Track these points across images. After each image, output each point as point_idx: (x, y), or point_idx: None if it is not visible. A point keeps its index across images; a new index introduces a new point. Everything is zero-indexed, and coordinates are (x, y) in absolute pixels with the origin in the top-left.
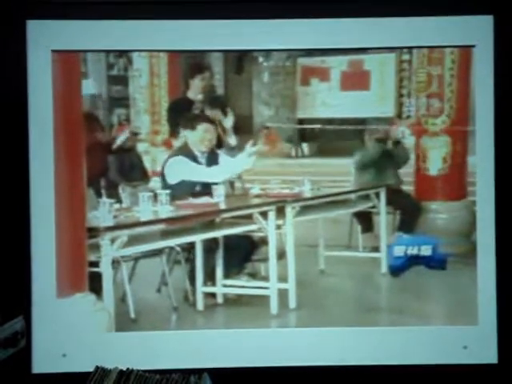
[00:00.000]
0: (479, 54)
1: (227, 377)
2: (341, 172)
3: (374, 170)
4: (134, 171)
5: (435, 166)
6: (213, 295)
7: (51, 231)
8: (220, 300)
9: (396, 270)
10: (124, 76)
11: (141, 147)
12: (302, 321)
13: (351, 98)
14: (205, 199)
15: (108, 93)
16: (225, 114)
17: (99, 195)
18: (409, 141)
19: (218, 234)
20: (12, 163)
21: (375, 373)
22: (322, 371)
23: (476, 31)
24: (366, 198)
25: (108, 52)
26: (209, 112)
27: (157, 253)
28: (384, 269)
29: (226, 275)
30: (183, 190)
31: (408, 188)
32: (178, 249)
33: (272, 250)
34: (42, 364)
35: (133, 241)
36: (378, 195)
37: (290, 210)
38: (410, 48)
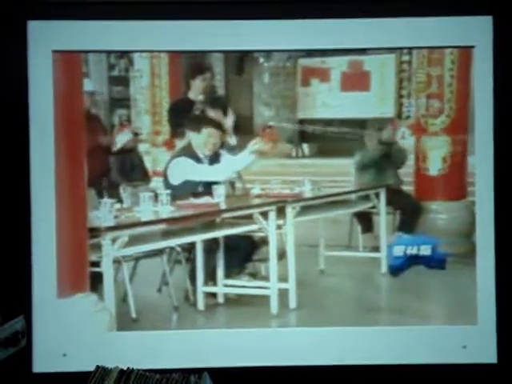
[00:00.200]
0: (479, 55)
1: (227, 377)
2: (341, 172)
3: (373, 170)
4: (134, 171)
5: (435, 166)
6: (213, 295)
7: (52, 231)
8: (221, 300)
9: (395, 269)
10: (125, 77)
11: (142, 147)
12: (302, 321)
13: (351, 98)
14: (205, 199)
15: (109, 93)
16: (225, 114)
17: (100, 195)
18: (409, 141)
19: (219, 234)
20: (12, 163)
21: (375, 373)
22: (322, 371)
23: (476, 32)
24: (366, 198)
25: (109, 52)
26: (210, 112)
27: (157, 253)
28: (384, 269)
29: (227, 275)
30: (185, 191)
31: (408, 188)
32: (179, 249)
33: (272, 250)
34: (42, 363)
35: (134, 241)
36: (377, 195)
37: (290, 210)
38: (410, 48)
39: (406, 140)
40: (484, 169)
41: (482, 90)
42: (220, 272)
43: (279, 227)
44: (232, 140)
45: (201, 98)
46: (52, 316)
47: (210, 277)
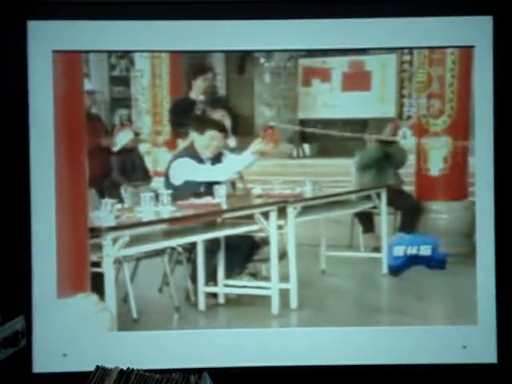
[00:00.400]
0: (479, 55)
1: (227, 377)
2: (342, 172)
3: (374, 170)
4: (135, 171)
5: (436, 166)
6: (214, 295)
7: (52, 231)
8: (221, 300)
9: (395, 269)
10: (126, 77)
11: (142, 148)
12: (303, 321)
13: (352, 98)
14: (206, 199)
15: (110, 93)
16: (227, 114)
17: (101, 195)
18: (410, 141)
19: (220, 234)
20: (12, 163)
21: (376, 372)
22: (323, 371)
23: (476, 32)
24: (367, 198)
25: (109, 52)
26: (211, 113)
27: (158, 253)
28: (385, 269)
29: (228, 275)
30: (186, 191)
31: (409, 188)
32: (180, 249)
33: (273, 250)
34: (42, 363)
35: (134, 241)
36: (379, 195)
37: (291, 211)
38: (410, 48)
39: (407, 140)
40: (484, 169)
41: (481, 90)
42: (221, 272)
43: (280, 227)
44: (231, 141)
45: (201, 98)
46: (52, 316)
47: (211, 277)
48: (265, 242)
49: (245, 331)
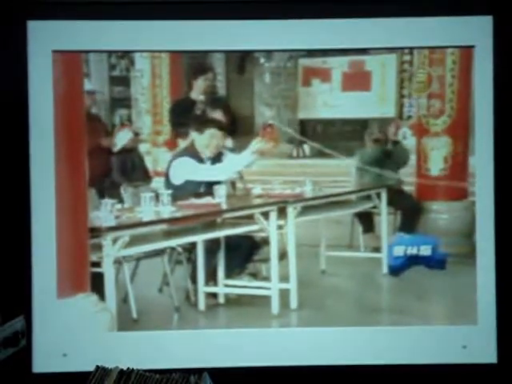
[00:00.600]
0: (479, 55)
1: (227, 377)
2: (342, 172)
3: (374, 170)
4: (135, 171)
5: (436, 166)
6: (214, 295)
7: (52, 231)
8: (221, 300)
9: (395, 269)
10: (126, 77)
11: (142, 148)
12: (303, 321)
13: (352, 98)
14: (206, 199)
15: (110, 93)
16: (227, 114)
17: (101, 195)
18: (410, 141)
19: (220, 234)
20: (12, 163)
21: (376, 372)
22: (323, 371)
23: (476, 31)
24: (367, 198)
25: (109, 52)
26: (211, 113)
27: (158, 253)
28: (385, 269)
29: (228, 275)
30: (186, 191)
31: (409, 188)
32: (180, 249)
33: (273, 251)
34: (42, 363)
35: (134, 241)
36: (379, 195)
37: (291, 211)
38: (410, 48)
39: (407, 140)
40: (484, 169)
41: (481, 90)
42: (221, 272)
43: (280, 227)
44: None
45: (202, 98)
46: (52, 316)
47: (211, 277)
48: (265, 242)
49: (245, 331)
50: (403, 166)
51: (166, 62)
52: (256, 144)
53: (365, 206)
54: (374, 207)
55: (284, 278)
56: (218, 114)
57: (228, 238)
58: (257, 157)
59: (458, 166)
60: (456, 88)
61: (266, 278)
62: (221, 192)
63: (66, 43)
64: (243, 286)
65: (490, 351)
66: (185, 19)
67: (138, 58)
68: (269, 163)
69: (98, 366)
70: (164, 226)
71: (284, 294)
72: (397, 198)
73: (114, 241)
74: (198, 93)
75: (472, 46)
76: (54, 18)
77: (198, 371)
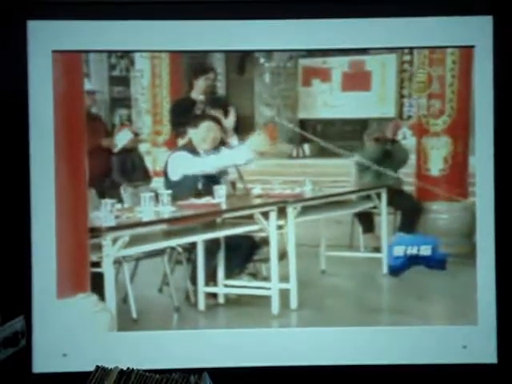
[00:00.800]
0: (479, 55)
1: (227, 377)
2: (342, 172)
3: (374, 170)
4: (135, 171)
5: (436, 166)
6: (214, 295)
7: (52, 231)
8: (221, 300)
9: (395, 269)
10: (126, 77)
11: (142, 148)
12: (303, 321)
13: (352, 98)
14: (206, 199)
15: (110, 93)
16: (226, 114)
17: (101, 195)
18: (410, 141)
19: (220, 234)
20: (12, 163)
21: (376, 373)
22: (323, 371)
23: (476, 31)
24: (367, 198)
25: (109, 52)
26: (211, 112)
27: (158, 253)
28: (385, 269)
29: (228, 275)
30: (185, 187)
31: (409, 188)
32: (180, 249)
33: (273, 251)
34: (42, 363)
35: (134, 241)
36: (379, 195)
37: (291, 211)
38: (410, 48)
39: (407, 140)
40: (484, 169)
41: (482, 90)
42: (221, 272)
43: (280, 227)
44: (233, 140)
45: (202, 97)
46: (52, 316)
47: (211, 277)
48: (265, 242)
49: (245, 331)
50: (403, 165)
51: (166, 62)
52: (255, 138)
53: (365, 206)
54: (374, 207)
55: (284, 278)
56: (217, 113)
57: (228, 238)
58: (255, 153)
59: (458, 165)
60: (456, 88)
61: (266, 278)
62: (221, 192)
63: (66, 43)
64: (243, 286)
65: (490, 351)
66: (185, 19)
67: (138, 58)
68: (269, 163)
69: (97, 366)
70: (164, 226)
71: (284, 294)
72: (397, 198)
73: (114, 241)
74: (198, 93)
75: (472, 46)
76: (54, 18)
77: (198, 371)
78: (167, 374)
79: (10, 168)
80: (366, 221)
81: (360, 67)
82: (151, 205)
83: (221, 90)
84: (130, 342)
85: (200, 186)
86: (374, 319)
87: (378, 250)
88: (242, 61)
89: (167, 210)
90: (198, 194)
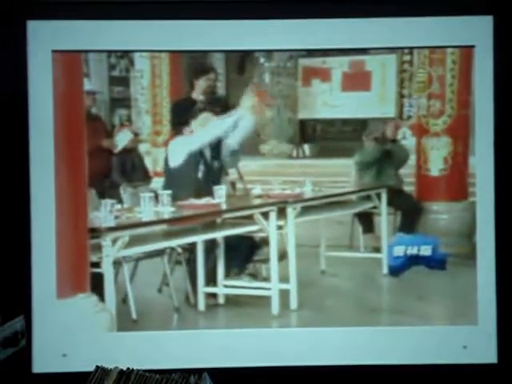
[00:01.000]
0: (479, 54)
1: (227, 377)
2: (342, 172)
3: (374, 170)
4: (135, 172)
5: (436, 166)
6: (214, 296)
7: (52, 232)
8: (221, 300)
9: (395, 269)
10: (126, 77)
11: (142, 148)
12: (303, 321)
13: (352, 98)
14: (206, 200)
15: (109, 93)
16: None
17: (101, 196)
18: (410, 141)
19: (220, 234)
20: (12, 163)
21: (375, 373)
22: (323, 371)
23: (476, 31)
24: (367, 198)
25: (109, 52)
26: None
27: (158, 253)
28: (385, 269)
29: (227, 276)
30: (186, 175)
31: (409, 188)
32: (180, 249)
33: (273, 251)
34: (42, 363)
35: (134, 241)
36: (379, 196)
37: (291, 211)
38: (410, 48)
39: (407, 140)
40: (484, 169)
41: (482, 90)
42: (220, 272)
43: (280, 228)
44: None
45: (202, 97)
46: (52, 316)
47: (211, 277)
48: (265, 242)
49: (245, 332)
50: (403, 164)
51: (166, 62)
52: (246, 101)
53: (365, 207)
54: (374, 207)
55: (284, 278)
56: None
57: (228, 239)
58: (245, 109)
59: (458, 166)
60: (456, 88)
61: (266, 279)
62: (220, 192)
63: (66, 43)
64: (243, 286)
65: (491, 351)
66: (185, 19)
67: (138, 58)
68: (269, 163)
69: (97, 367)
70: (164, 227)
71: (284, 295)
72: (397, 198)
73: (114, 241)
74: (199, 93)
75: (472, 46)
76: (53, 17)
77: (198, 371)
78: (167, 374)
79: (10, 168)
80: (366, 221)
81: (360, 67)
82: (151, 205)
83: (221, 89)
84: (129, 342)
85: (200, 175)
86: (374, 319)
87: (378, 250)
88: (241, 61)
89: (167, 210)
90: (198, 194)
